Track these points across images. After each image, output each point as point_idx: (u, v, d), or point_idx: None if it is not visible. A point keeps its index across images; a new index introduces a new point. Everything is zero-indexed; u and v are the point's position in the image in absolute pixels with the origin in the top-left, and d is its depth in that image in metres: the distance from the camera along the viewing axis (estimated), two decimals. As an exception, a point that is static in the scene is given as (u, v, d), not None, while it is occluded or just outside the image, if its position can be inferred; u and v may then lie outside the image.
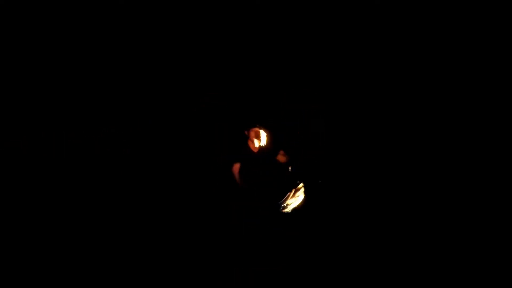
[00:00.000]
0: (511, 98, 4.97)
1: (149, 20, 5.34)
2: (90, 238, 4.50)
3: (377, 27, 5.25)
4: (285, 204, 4.44)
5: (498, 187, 4.76)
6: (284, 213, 4.44)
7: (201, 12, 5.34)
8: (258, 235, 4.41)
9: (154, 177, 5.22)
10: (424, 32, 5.18)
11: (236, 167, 4.60)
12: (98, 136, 5.32)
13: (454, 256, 4.04)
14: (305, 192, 4.50)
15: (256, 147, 4.58)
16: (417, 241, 4.33)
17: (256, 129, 4.56)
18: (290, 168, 5.02)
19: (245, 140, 4.63)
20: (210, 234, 4.52)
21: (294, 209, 4.44)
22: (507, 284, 3.62)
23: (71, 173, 5.17)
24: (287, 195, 4.45)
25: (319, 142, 5.44)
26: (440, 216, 4.69)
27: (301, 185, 4.49)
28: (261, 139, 4.54)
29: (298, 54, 5.41)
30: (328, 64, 5.40)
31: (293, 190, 4.47)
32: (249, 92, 5.46)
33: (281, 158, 4.72)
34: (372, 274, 3.84)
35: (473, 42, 5.10)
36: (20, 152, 5.13)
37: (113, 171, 5.23)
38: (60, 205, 4.92)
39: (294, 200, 4.45)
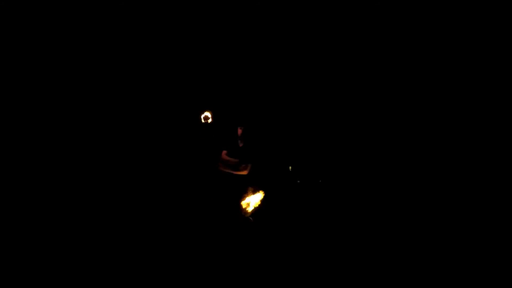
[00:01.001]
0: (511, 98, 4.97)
1: (149, 20, 5.35)
2: (90, 238, 4.51)
3: (376, 27, 5.25)
4: (245, 205, 4.32)
5: (498, 187, 4.76)
6: (247, 216, 4.34)
7: (201, 12, 5.35)
8: (255, 233, 4.41)
9: (153, 177, 5.22)
10: (423, 32, 5.17)
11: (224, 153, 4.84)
12: (99, 136, 5.33)
13: (454, 256, 4.04)
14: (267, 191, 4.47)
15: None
16: (417, 241, 4.33)
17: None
18: (290, 168, 5.02)
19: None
20: (209, 234, 4.52)
21: (255, 210, 4.34)
22: (507, 284, 3.62)
23: (71, 173, 5.17)
24: (245, 195, 4.36)
25: (319, 142, 5.44)
26: (440, 216, 4.69)
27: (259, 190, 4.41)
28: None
29: (298, 54, 5.41)
30: (327, 64, 5.40)
31: (251, 190, 4.38)
32: (248, 92, 5.47)
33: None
34: (372, 274, 3.83)
35: (473, 42, 5.09)
36: (20, 152, 5.14)
37: (113, 171, 5.23)
38: (60, 205, 4.92)
39: (253, 199, 4.33)
